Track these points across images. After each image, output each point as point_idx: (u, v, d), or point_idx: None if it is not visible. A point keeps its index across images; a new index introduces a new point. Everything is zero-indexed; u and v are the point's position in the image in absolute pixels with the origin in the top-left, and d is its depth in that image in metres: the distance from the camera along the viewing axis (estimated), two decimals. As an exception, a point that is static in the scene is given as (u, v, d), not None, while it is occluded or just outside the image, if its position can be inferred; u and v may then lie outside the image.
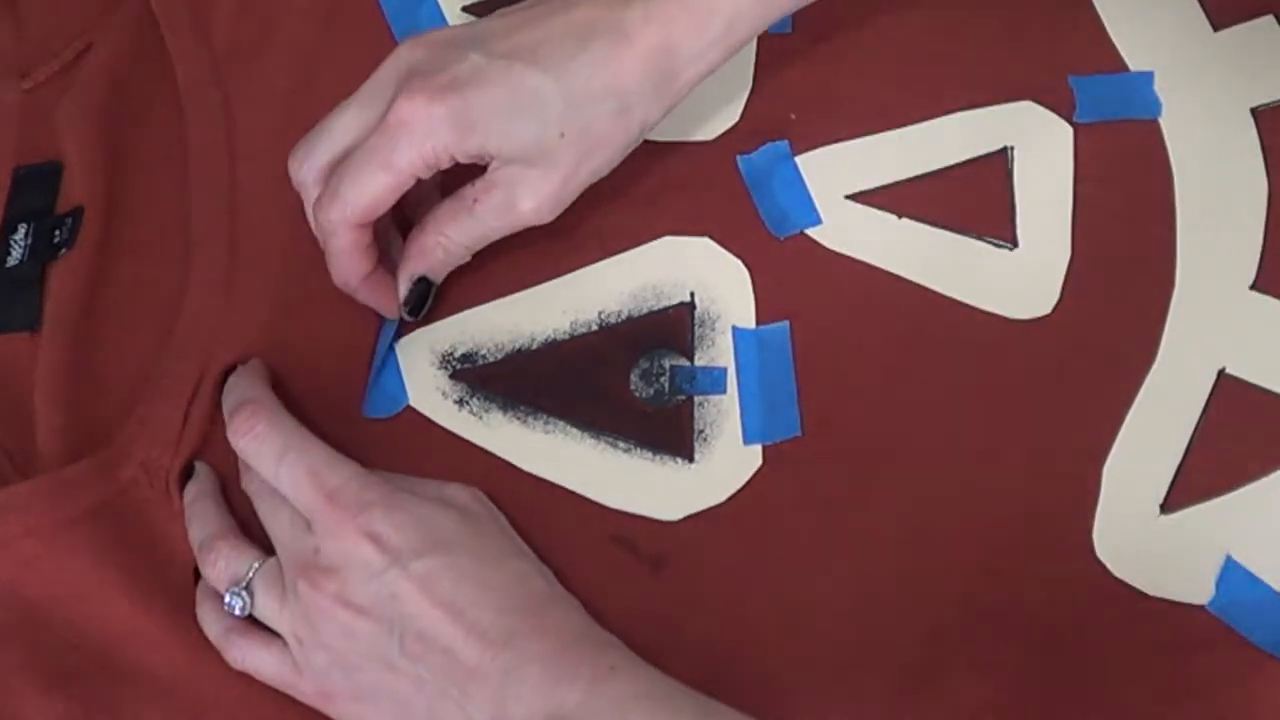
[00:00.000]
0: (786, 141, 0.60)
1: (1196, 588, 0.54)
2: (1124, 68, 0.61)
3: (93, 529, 0.53)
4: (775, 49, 0.62)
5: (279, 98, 0.61)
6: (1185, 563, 0.54)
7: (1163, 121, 0.60)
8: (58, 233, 0.59)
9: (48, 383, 0.56)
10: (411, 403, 0.57)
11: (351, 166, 0.53)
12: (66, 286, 0.58)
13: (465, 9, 0.63)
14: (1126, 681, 0.52)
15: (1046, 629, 0.53)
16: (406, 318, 0.56)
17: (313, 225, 0.55)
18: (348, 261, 0.55)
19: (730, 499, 0.55)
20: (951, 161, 0.60)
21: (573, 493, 0.55)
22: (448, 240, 0.55)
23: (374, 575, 0.49)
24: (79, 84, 0.62)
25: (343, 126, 0.54)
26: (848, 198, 0.59)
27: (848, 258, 0.58)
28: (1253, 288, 0.58)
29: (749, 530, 0.55)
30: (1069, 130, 0.60)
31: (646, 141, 0.57)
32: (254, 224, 0.59)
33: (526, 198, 0.54)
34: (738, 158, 0.60)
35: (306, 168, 0.55)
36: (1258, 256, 0.58)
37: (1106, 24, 0.62)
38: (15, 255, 0.59)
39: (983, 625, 0.53)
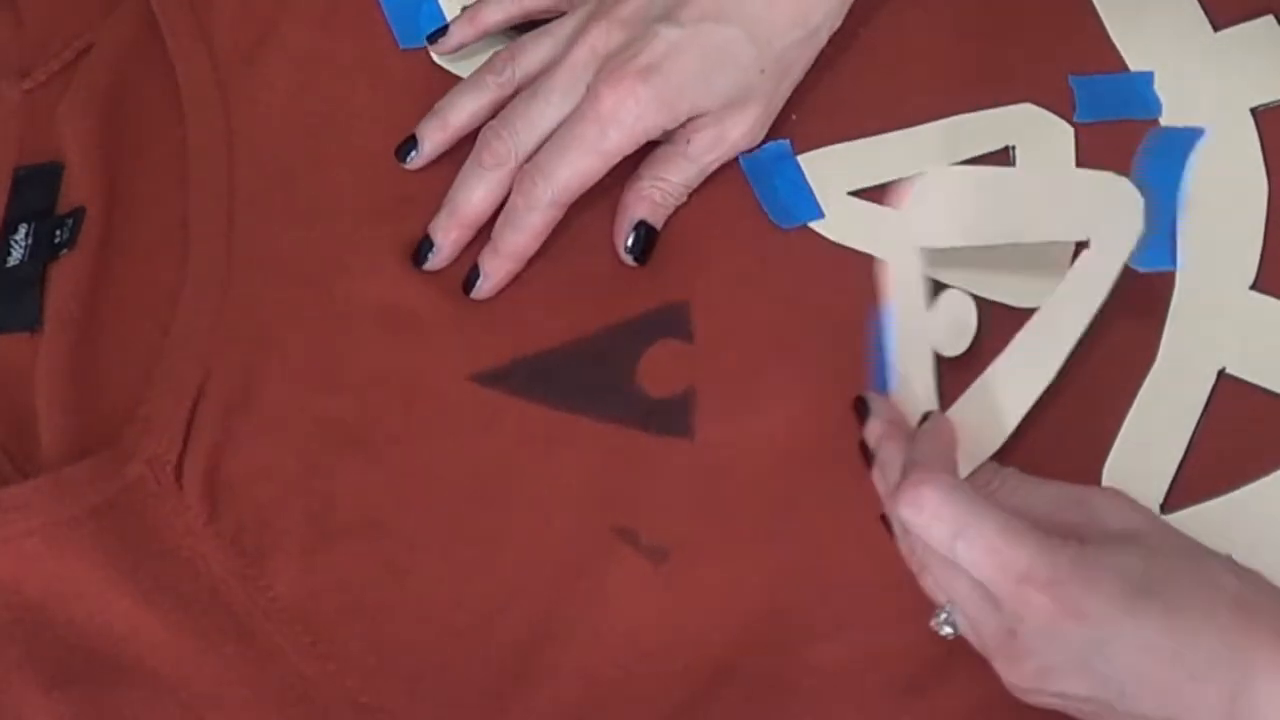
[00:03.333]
0: (788, 140, 0.60)
1: (1197, 588, 0.54)
2: (1124, 68, 0.61)
3: (96, 528, 0.53)
4: (776, 49, 0.62)
5: (279, 98, 0.61)
6: (1186, 562, 0.54)
7: (1163, 121, 0.60)
8: (58, 233, 0.59)
9: (49, 383, 0.56)
10: None
11: (561, 151, 0.56)
12: (67, 286, 0.58)
13: (466, 9, 0.63)
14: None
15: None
16: (631, 262, 0.58)
17: (516, 205, 0.57)
18: (537, 238, 0.57)
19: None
20: (953, 161, 0.60)
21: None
22: (665, 184, 0.58)
23: (1081, 652, 0.46)
24: (79, 84, 0.62)
25: (544, 115, 0.57)
26: (850, 195, 0.59)
27: (851, 250, 0.58)
28: (1253, 288, 0.58)
29: (749, 526, 0.55)
30: (1069, 131, 0.60)
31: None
32: (252, 223, 0.59)
33: (736, 128, 0.58)
34: (739, 157, 0.60)
35: (513, 152, 0.57)
36: (1258, 256, 0.58)
37: (1106, 24, 0.62)
38: (16, 255, 0.59)
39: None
